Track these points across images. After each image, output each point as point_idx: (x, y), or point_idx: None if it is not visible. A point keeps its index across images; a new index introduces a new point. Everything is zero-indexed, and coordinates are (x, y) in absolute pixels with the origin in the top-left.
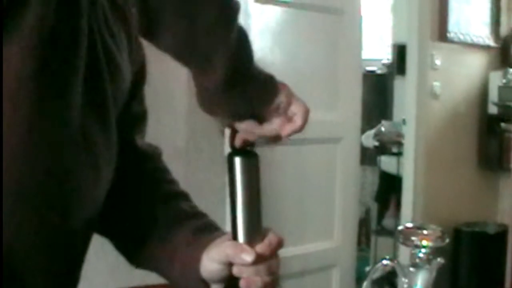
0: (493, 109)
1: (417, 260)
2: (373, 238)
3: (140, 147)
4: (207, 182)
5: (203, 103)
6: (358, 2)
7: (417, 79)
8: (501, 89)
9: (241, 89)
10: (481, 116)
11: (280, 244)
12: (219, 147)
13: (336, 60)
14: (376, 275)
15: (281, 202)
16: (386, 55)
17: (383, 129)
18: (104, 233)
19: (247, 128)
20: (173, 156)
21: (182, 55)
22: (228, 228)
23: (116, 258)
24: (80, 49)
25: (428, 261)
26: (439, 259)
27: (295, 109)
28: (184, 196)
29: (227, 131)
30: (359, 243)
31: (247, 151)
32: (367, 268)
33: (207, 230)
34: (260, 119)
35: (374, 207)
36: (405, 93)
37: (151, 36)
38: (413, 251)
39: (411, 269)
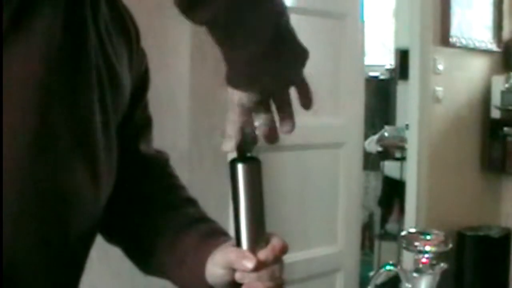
0: (495, 113)
1: (421, 265)
2: (376, 243)
3: (145, 155)
4: (209, 186)
5: (234, 78)
6: (360, 7)
7: (419, 84)
8: (503, 93)
9: (277, 60)
10: (483, 120)
11: (283, 250)
12: (222, 152)
13: (338, 65)
14: (379, 280)
15: (284, 207)
16: (388, 60)
17: (386, 134)
18: (114, 241)
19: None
20: (176, 160)
21: (225, 27)
22: (231, 233)
23: (119, 263)
24: (88, 60)
25: (432, 266)
26: (442, 264)
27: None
28: (192, 202)
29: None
30: (362, 247)
31: (249, 157)
32: (371, 273)
33: (215, 236)
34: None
35: (377, 212)
36: (407, 98)
37: (195, 8)
38: (416, 256)
39: (415, 274)
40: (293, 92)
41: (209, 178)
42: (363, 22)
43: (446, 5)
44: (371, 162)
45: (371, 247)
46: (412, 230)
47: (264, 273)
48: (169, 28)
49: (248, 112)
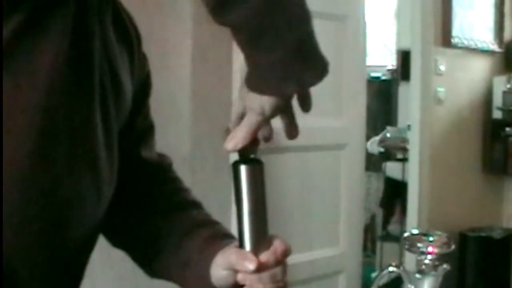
0: (497, 114)
1: (423, 267)
2: (378, 244)
3: (147, 160)
4: (211, 189)
5: (258, 83)
6: (362, 8)
7: (421, 85)
8: (505, 94)
9: (303, 66)
10: (485, 121)
11: (285, 252)
12: (223, 154)
13: (340, 66)
14: (382, 281)
15: (286, 209)
16: (390, 61)
17: (388, 135)
18: (120, 245)
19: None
20: (178, 163)
21: (255, 30)
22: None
23: (123, 266)
24: (95, 73)
25: (434, 267)
26: (445, 266)
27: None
28: (197, 204)
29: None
30: (364, 249)
31: (251, 159)
32: (373, 274)
33: (219, 238)
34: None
35: (379, 213)
36: (409, 98)
37: (226, 9)
38: (419, 258)
39: (417, 275)
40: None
41: (211, 180)
42: (364, 23)
43: (447, 6)
44: (373, 163)
45: (373, 249)
46: (415, 231)
47: (265, 275)
48: (170, 29)
49: (266, 118)
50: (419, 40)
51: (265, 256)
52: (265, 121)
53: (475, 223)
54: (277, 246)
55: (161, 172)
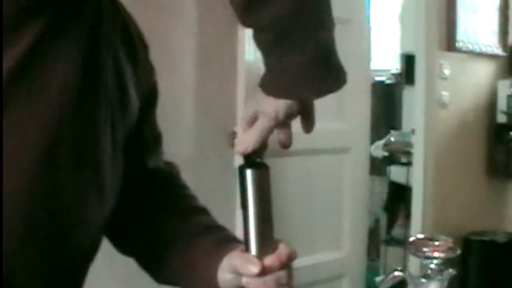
0: (501, 118)
1: (429, 271)
2: (382, 248)
3: (154, 170)
4: (215, 191)
5: (278, 86)
6: (366, 12)
7: (425, 89)
8: (509, 97)
9: (324, 72)
10: (489, 125)
11: (290, 256)
12: (227, 157)
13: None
14: (386, 285)
15: (290, 212)
16: (394, 65)
17: (392, 139)
18: (127, 252)
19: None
20: (181, 165)
21: (281, 34)
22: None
23: (126, 269)
24: (104, 86)
25: (440, 272)
26: (450, 270)
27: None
28: (203, 210)
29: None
30: (368, 253)
31: (257, 163)
32: (377, 278)
33: (226, 242)
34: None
35: (383, 217)
36: (413, 102)
37: (255, 9)
38: (424, 262)
39: (423, 280)
40: None
41: (215, 183)
42: (369, 27)
43: (451, 10)
44: (377, 167)
45: (377, 253)
46: (420, 236)
47: (269, 278)
48: (174, 32)
49: (279, 123)
50: (424, 44)
51: (269, 260)
52: (278, 126)
53: (479, 227)
54: (282, 250)
55: (168, 181)
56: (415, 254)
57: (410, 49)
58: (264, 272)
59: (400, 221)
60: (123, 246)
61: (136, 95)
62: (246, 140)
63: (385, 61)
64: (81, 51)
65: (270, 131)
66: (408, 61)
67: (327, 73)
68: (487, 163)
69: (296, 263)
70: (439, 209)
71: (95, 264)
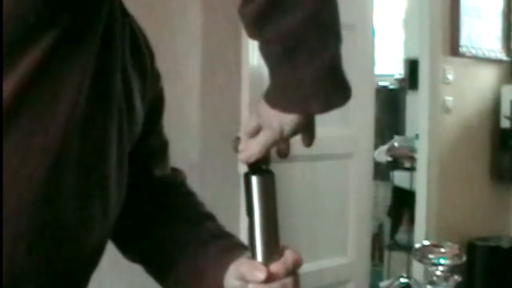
0: (505, 123)
1: (434, 278)
2: (386, 253)
3: (160, 178)
4: (221, 197)
5: (282, 98)
6: (370, 17)
7: (429, 94)
8: None
9: (331, 86)
10: (493, 130)
11: (296, 263)
12: (232, 163)
13: (348, 75)
14: None
15: (294, 218)
16: (398, 70)
17: (396, 144)
18: (135, 259)
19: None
20: (187, 171)
21: (290, 45)
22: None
23: (131, 273)
24: (114, 99)
25: (445, 278)
26: (456, 277)
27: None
28: (211, 217)
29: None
30: (372, 258)
31: (263, 169)
32: (381, 283)
33: (233, 249)
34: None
35: (387, 222)
36: (417, 108)
37: (266, 24)
38: (430, 269)
39: (428, 286)
40: None
41: (220, 188)
42: (373, 32)
43: (455, 15)
44: (380, 172)
45: (381, 258)
46: (426, 242)
47: (276, 285)
48: (179, 38)
49: (284, 138)
50: (427, 49)
51: (275, 267)
52: (282, 137)
53: (483, 232)
54: (288, 256)
55: (174, 188)
56: (420, 261)
57: (414, 54)
58: (270, 279)
59: (404, 226)
60: (131, 253)
61: (142, 104)
62: (250, 150)
63: (389, 66)
64: (93, 63)
65: (274, 144)
66: (412, 66)
67: (335, 87)
68: (491, 168)
69: (301, 269)
70: (443, 214)
71: (101, 268)
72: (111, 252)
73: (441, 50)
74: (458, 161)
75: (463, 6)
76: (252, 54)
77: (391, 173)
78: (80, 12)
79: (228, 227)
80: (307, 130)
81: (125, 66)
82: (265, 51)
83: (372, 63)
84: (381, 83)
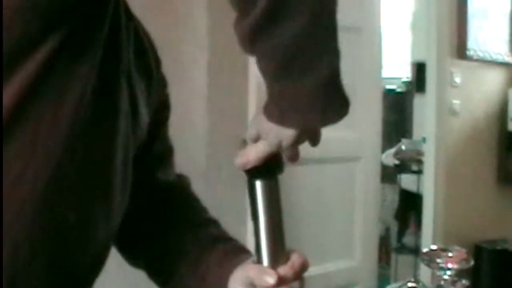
0: None
1: (442, 282)
2: (393, 256)
3: (164, 183)
4: (227, 201)
5: (281, 114)
6: (377, 20)
7: (436, 97)
8: None
9: (329, 101)
10: (501, 133)
11: (303, 266)
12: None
13: (355, 78)
14: None
15: (301, 221)
16: (405, 73)
17: (403, 147)
18: (138, 264)
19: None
20: (193, 175)
21: (286, 60)
22: (250, 248)
23: (136, 276)
24: (118, 104)
25: (453, 283)
26: (464, 281)
27: None
28: (214, 222)
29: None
30: (379, 261)
31: (266, 174)
32: (388, 286)
33: (237, 254)
34: None
35: (394, 225)
36: (424, 111)
37: (261, 39)
38: (438, 273)
39: None
40: None
41: (227, 191)
42: (380, 35)
43: (462, 18)
44: (387, 175)
45: (388, 261)
46: (434, 247)
47: None
48: (186, 41)
49: (281, 150)
50: (434, 52)
51: (283, 270)
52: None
53: (491, 235)
54: (295, 259)
55: (178, 193)
56: (428, 265)
57: (421, 57)
58: (279, 283)
59: (411, 229)
60: (133, 258)
61: (147, 109)
62: (246, 157)
63: (396, 69)
64: (97, 68)
65: (270, 155)
66: (419, 69)
67: (332, 101)
68: (498, 171)
69: (308, 272)
70: (450, 217)
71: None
72: (114, 253)
73: (448, 53)
74: (465, 164)
75: (470, 9)
76: None
77: (398, 176)
78: (83, 17)
79: (236, 231)
80: (309, 138)
81: (130, 70)
82: (260, 66)
83: (379, 66)
84: (388, 86)
